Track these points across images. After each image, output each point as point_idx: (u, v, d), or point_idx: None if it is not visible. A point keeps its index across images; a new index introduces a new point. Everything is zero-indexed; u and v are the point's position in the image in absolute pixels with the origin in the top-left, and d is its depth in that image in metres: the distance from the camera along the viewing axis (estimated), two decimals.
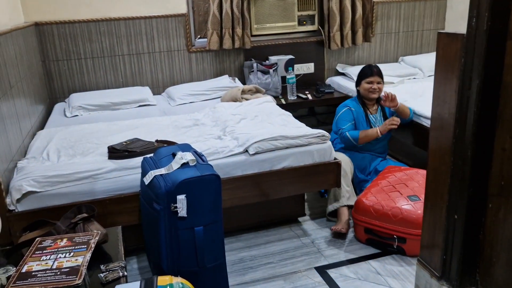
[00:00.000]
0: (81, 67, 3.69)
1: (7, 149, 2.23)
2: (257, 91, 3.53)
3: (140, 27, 3.73)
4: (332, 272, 2.27)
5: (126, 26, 3.70)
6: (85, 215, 1.68)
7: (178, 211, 1.75)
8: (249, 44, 3.92)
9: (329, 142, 2.52)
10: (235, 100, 3.39)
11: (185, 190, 1.75)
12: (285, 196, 2.50)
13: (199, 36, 4.05)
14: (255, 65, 3.93)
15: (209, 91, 3.65)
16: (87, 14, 3.60)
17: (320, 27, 4.21)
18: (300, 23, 4.15)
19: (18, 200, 2.05)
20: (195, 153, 2.00)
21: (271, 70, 3.92)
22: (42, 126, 3.14)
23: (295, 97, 3.92)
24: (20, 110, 2.62)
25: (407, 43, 4.52)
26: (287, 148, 2.43)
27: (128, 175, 2.21)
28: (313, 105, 4.15)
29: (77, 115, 3.30)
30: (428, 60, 4.19)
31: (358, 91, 3.11)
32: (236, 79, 3.93)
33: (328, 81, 4.32)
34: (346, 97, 3.93)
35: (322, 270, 2.29)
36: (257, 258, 2.41)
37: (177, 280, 1.38)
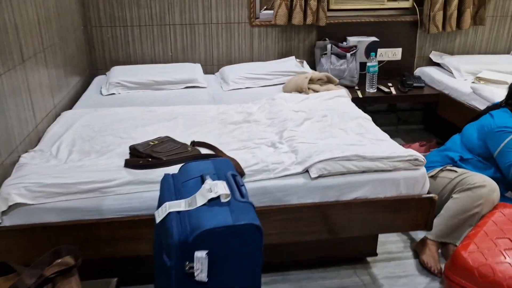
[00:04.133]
0: (126, 36, 3.19)
1: (5, 137, 1.76)
2: (329, 80, 2.84)
3: None
4: None
5: None
6: (63, 267, 1.16)
7: (195, 273, 1.18)
8: (324, 21, 3.21)
9: (423, 169, 1.82)
10: (300, 90, 2.74)
11: (208, 244, 1.17)
12: (353, 236, 1.86)
13: (265, 7, 3.39)
14: (329, 46, 3.22)
15: (270, 76, 3.02)
16: None
17: (415, 4, 3.38)
18: None
19: (5, 212, 1.58)
20: (233, 177, 1.40)
21: (348, 54, 3.20)
22: (73, 103, 2.69)
23: (375, 90, 3.19)
24: (36, 85, 2.15)
25: None
26: (363, 172, 1.77)
27: (147, 192, 1.67)
28: (397, 101, 3.38)
29: (114, 94, 2.81)
30: None
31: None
32: (305, 62, 3.26)
33: (417, 72, 3.51)
34: (440, 94, 3.13)
35: None
36: None
37: None
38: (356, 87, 3.22)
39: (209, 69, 3.33)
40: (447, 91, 3.11)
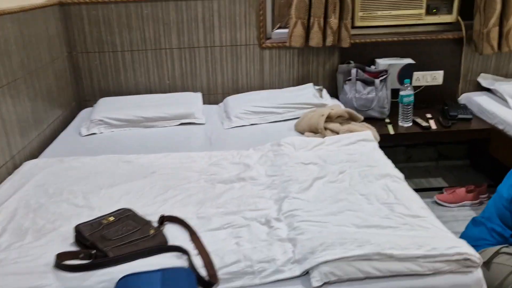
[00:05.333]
0: (117, 63, 2.77)
1: None
2: (351, 117, 2.31)
3: (195, 10, 2.68)
4: None
5: (177, 9, 2.68)
6: None
7: None
8: (348, 41, 2.68)
9: (479, 271, 1.26)
10: (315, 130, 2.22)
11: None
12: None
13: (277, 26, 2.90)
14: (354, 71, 2.69)
15: (281, 109, 2.51)
16: None
17: (460, 18, 2.79)
18: (429, 11, 2.78)
19: None
20: None
21: (377, 80, 2.66)
22: (48, 144, 2.28)
23: (410, 124, 2.62)
24: None
25: None
26: (390, 277, 1.23)
27: None
28: (438, 138, 2.80)
29: (95, 133, 2.39)
30: None
31: None
32: (325, 90, 2.74)
33: (462, 99, 2.92)
34: (492, 130, 2.54)
35: None
36: None
37: None
38: (387, 120, 2.67)
39: (212, 99, 2.86)
40: (501, 126, 2.51)
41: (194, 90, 2.84)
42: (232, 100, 2.67)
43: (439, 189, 2.79)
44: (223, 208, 1.58)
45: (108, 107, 2.55)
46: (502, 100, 2.69)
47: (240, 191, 1.70)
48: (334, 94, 2.82)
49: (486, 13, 2.64)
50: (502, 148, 2.52)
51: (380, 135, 2.26)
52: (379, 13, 2.76)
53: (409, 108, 2.60)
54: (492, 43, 2.67)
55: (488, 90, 2.86)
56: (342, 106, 2.55)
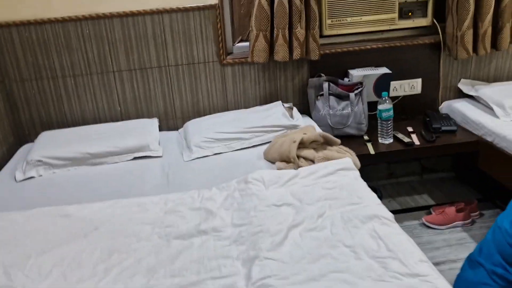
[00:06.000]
0: (58, 90, 2.43)
1: None
2: (327, 142, 2.04)
3: (144, 26, 2.37)
4: None
5: (123, 26, 2.36)
6: None
7: None
8: (317, 53, 2.42)
9: None
10: (287, 159, 1.94)
11: None
12: None
13: (239, 39, 2.61)
14: (325, 85, 2.43)
15: (248, 133, 2.22)
16: (63, 10, 2.30)
17: (435, 21, 2.57)
18: (403, 15, 2.55)
19: None
20: None
21: (352, 94, 2.41)
22: None
23: (391, 140, 2.38)
24: None
25: None
26: None
27: None
28: (422, 154, 2.55)
29: (33, 177, 2.05)
30: None
31: None
32: (295, 109, 2.47)
33: (444, 108, 2.70)
34: (480, 142, 2.33)
35: None
36: None
37: None
38: (366, 137, 2.42)
39: (171, 124, 2.55)
40: (489, 138, 2.29)
41: (149, 115, 2.52)
42: (193, 126, 2.37)
43: (427, 208, 2.56)
44: (180, 276, 1.28)
45: (49, 143, 2.21)
46: (487, 107, 2.48)
47: (200, 250, 1.40)
48: (305, 111, 2.55)
49: (459, 15, 2.42)
50: (492, 161, 2.30)
51: (360, 156, 2.01)
52: (349, 19, 2.50)
53: (389, 124, 2.35)
54: (467, 47, 2.45)
55: (469, 96, 2.64)
56: (316, 127, 2.28)
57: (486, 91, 2.53)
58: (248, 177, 1.76)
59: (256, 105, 2.56)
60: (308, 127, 2.19)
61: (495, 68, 2.71)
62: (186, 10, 2.36)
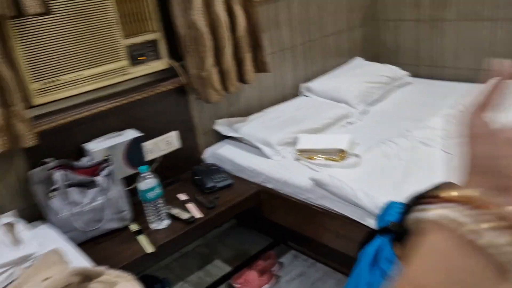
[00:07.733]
0: None
1: None
2: (87, 277, 1.32)
3: None
4: None
5: None
6: None
7: None
8: (30, 135, 1.65)
9: None
10: None
11: None
12: None
13: None
14: (57, 175, 1.70)
15: None
16: None
17: (174, 62, 2.15)
18: (135, 60, 2.03)
19: None
20: None
21: (99, 178, 1.75)
22: None
23: (168, 222, 1.84)
24: None
25: (308, 60, 2.80)
26: None
27: None
28: (210, 228, 2.05)
29: None
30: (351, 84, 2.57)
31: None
32: (19, 223, 1.63)
33: (208, 157, 2.32)
34: (261, 192, 2.04)
35: None
36: None
37: None
38: (134, 227, 1.81)
39: None
40: (270, 185, 2.03)
41: None
42: None
43: (224, 281, 2.15)
44: None
45: None
46: (250, 145, 2.22)
47: None
48: (38, 216, 1.75)
49: (199, 52, 2.06)
50: (278, 208, 2.04)
51: (137, 260, 1.41)
52: (65, 77, 1.82)
53: (158, 203, 1.80)
54: (215, 86, 2.13)
55: (231, 138, 2.34)
56: (62, 242, 1.53)
57: (247, 129, 2.26)
58: None
59: None
60: (49, 255, 1.42)
61: (246, 99, 2.50)
62: None
